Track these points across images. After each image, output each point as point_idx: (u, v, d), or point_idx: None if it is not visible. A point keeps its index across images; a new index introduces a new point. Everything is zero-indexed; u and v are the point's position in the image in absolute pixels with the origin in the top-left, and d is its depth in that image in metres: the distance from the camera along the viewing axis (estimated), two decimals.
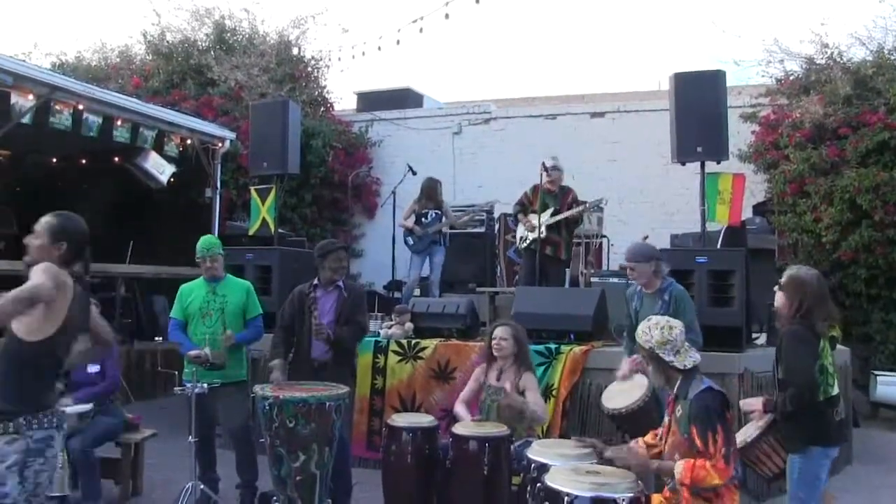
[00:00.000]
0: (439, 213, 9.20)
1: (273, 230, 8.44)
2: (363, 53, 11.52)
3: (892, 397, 8.88)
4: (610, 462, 3.90)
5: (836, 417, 4.18)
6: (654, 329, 3.75)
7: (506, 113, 13.48)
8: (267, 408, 4.70)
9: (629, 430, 5.27)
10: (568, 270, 8.89)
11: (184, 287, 5.92)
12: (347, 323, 5.56)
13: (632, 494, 3.40)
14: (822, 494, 4.16)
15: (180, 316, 5.78)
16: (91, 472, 5.38)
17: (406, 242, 9.27)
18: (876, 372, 9.04)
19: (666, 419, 3.82)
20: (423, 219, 9.16)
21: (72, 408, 5.39)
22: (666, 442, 3.77)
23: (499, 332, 5.43)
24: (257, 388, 4.90)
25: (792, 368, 4.07)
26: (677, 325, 3.80)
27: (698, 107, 6.79)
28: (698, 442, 3.49)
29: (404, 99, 14.78)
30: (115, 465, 5.94)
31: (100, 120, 8.95)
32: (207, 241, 5.87)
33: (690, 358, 3.71)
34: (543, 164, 8.26)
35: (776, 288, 4.34)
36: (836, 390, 4.16)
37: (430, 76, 43.06)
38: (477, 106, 13.82)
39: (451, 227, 9.52)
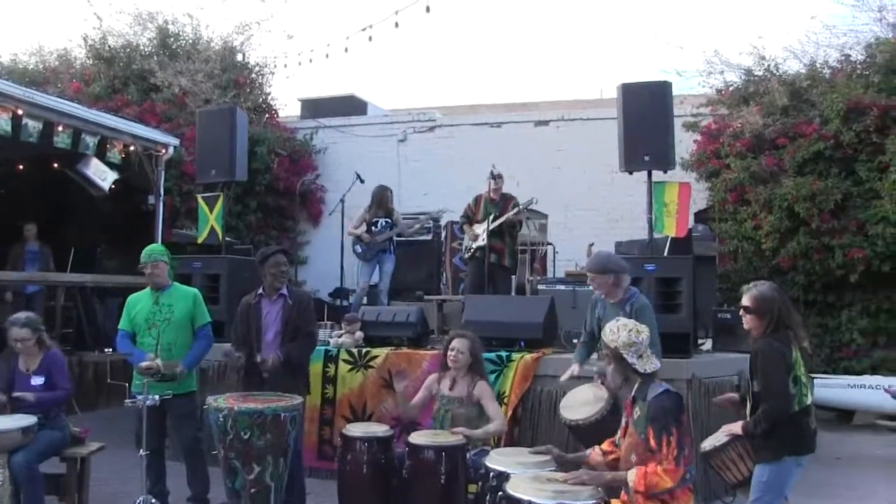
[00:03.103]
0: (389, 221, 9.21)
1: (221, 238, 8.35)
2: (310, 60, 11.49)
3: (827, 399, 9.12)
4: (568, 466, 3.94)
5: (811, 426, 4.25)
6: (622, 330, 3.82)
7: (451, 121, 13.55)
8: (221, 419, 4.63)
9: (587, 441, 5.30)
10: (514, 278, 8.97)
11: (131, 298, 5.79)
12: (295, 333, 5.53)
13: (593, 501, 3.45)
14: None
15: (127, 327, 5.66)
16: (34, 489, 5.19)
17: (354, 251, 9.25)
18: (812, 375, 9.28)
19: (623, 421, 3.89)
20: (373, 227, 9.15)
21: (14, 421, 5.24)
22: (623, 443, 3.83)
23: (456, 344, 5.43)
24: (210, 400, 4.83)
25: (766, 386, 4.14)
26: (644, 330, 3.87)
27: (645, 117, 6.89)
28: (653, 442, 3.57)
29: (348, 106, 14.75)
30: (59, 480, 5.70)
31: (40, 125, 8.71)
32: (150, 248, 5.77)
33: (652, 364, 3.79)
34: (491, 172, 8.36)
35: (741, 312, 4.40)
36: (809, 400, 4.22)
37: (372, 82, 42.96)
38: (422, 113, 13.85)
39: (400, 235, 9.52)
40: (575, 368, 5.61)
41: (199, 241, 8.54)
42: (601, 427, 4.98)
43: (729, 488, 4.67)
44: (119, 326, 5.75)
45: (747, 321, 4.36)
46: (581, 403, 5.26)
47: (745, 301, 4.36)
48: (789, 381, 4.12)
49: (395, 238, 9.25)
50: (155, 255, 5.67)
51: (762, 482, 4.15)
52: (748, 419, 4.28)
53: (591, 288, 5.67)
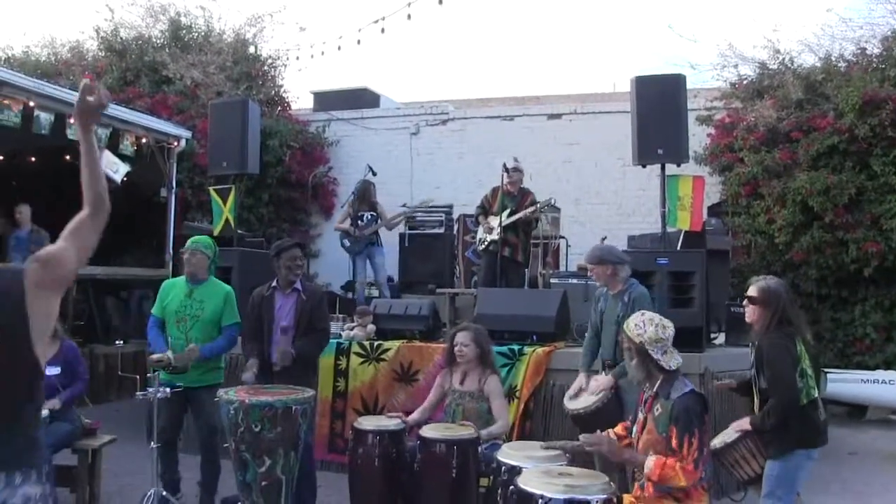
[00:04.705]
0: (374, 214, 9.32)
1: (233, 228, 8.38)
2: (322, 53, 11.47)
3: (840, 394, 9.10)
4: (579, 454, 3.93)
5: (820, 418, 4.26)
6: (649, 325, 3.77)
7: (463, 114, 13.49)
8: (232, 412, 4.63)
9: (589, 430, 5.33)
10: (527, 271, 8.95)
11: (166, 283, 5.81)
12: (308, 329, 5.52)
13: (605, 496, 3.43)
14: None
15: (159, 314, 5.66)
16: None
17: (343, 245, 9.35)
18: (825, 369, 9.25)
19: (641, 416, 3.84)
20: (359, 221, 9.24)
21: None
22: (640, 438, 3.80)
23: (460, 337, 5.42)
24: (221, 393, 4.84)
25: (774, 380, 4.13)
26: (670, 325, 3.82)
27: (659, 110, 6.86)
28: (674, 442, 3.54)
29: (361, 99, 14.72)
30: (70, 472, 5.73)
31: (52, 117, 8.74)
32: (197, 237, 5.79)
33: (675, 360, 3.74)
34: (504, 165, 8.32)
35: (745, 302, 4.42)
36: (816, 392, 4.22)
37: (385, 75, 42.94)
38: (434, 106, 13.82)
39: (389, 228, 9.59)
40: (582, 380, 5.59)
41: (216, 233, 8.54)
42: (602, 415, 5.04)
43: (741, 485, 4.67)
44: (152, 312, 5.77)
45: (750, 312, 4.38)
46: (582, 393, 5.35)
47: (752, 291, 4.38)
48: (796, 374, 4.12)
49: (402, 229, 9.31)
50: (199, 244, 5.66)
51: (773, 476, 4.16)
52: (756, 414, 4.28)
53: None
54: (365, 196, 9.39)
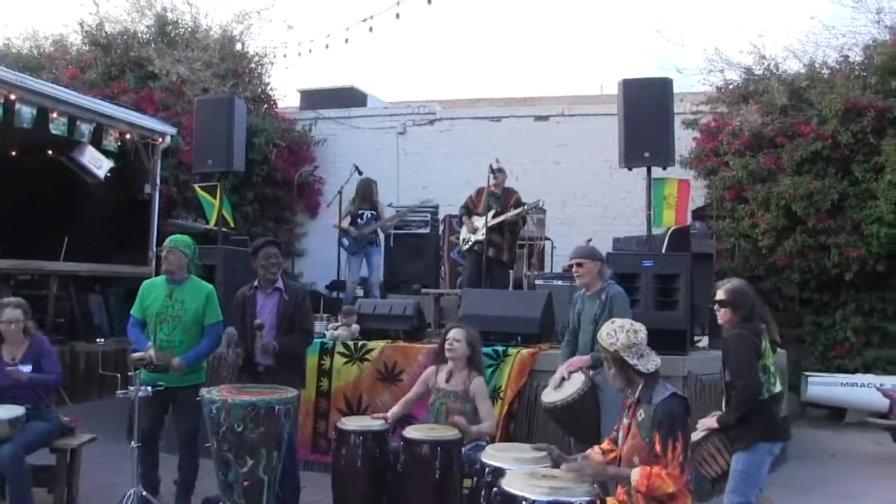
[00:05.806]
0: (375, 213, 9.27)
1: (231, 225, 8.36)
2: (310, 51, 11.39)
3: (821, 397, 9.13)
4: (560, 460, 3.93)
5: (781, 414, 4.42)
6: (620, 332, 3.74)
7: (451, 114, 13.50)
8: (214, 411, 4.60)
9: (565, 424, 5.36)
10: (512, 272, 8.96)
11: (146, 283, 5.71)
12: (291, 328, 5.48)
13: (588, 498, 3.43)
14: (760, 498, 4.32)
15: (139, 314, 5.58)
16: (21, 481, 5.08)
17: (341, 244, 9.29)
18: (806, 373, 9.31)
19: (625, 421, 3.82)
20: (358, 220, 9.19)
21: (2, 412, 5.13)
22: (625, 444, 3.78)
23: (453, 333, 5.47)
24: (204, 392, 4.81)
25: (736, 369, 4.27)
26: (641, 328, 3.80)
27: (646, 113, 6.88)
28: (658, 447, 3.52)
29: (348, 97, 14.70)
30: (48, 472, 5.63)
31: (34, 111, 8.65)
32: (178, 236, 5.72)
33: (653, 362, 3.72)
34: (491, 166, 8.33)
35: (716, 306, 4.53)
36: (778, 388, 4.35)
37: (373, 74, 42.86)
38: (422, 106, 13.82)
39: (385, 229, 9.56)
40: (562, 370, 5.55)
41: (211, 224, 8.52)
42: (577, 409, 5.07)
43: (707, 484, 4.72)
44: (131, 312, 5.67)
45: (722, 315, 4.51)
46: (557, 387, 5.36)
47: (721, 295, 4.50)
48: (758, 366, 4.24)
49: (384, 230, 9.27)
50: (177, 242, 5.58)
51: (738, 470, 4.26)
52: (723, 412, 4.38)
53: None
54: (366, 195, 9.33)
